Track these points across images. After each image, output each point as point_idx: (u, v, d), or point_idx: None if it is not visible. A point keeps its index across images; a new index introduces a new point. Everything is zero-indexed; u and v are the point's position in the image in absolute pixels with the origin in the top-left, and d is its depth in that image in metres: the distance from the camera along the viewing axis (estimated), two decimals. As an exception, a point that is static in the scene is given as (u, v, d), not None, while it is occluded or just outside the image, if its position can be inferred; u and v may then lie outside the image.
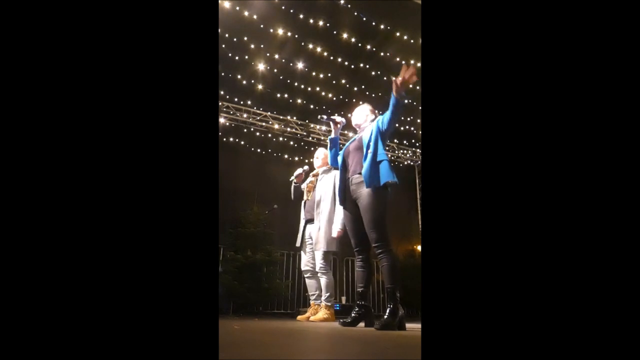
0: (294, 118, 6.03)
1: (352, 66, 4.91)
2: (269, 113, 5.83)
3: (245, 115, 5.71)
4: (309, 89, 5.26)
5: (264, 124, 5.88)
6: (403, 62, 3.79)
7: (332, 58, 4.77)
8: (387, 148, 2.17)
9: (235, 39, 4.38)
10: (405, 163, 7.15)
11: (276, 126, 5.94)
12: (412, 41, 4.56)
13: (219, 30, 4.12)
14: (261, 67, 4.81)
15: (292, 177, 3.23)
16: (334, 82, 5.15)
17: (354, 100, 4.81)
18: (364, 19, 4.27)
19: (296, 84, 5.19)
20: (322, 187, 2.98)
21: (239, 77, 5.01)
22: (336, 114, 2.80)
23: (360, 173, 2.01)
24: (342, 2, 4.05)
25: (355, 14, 4.19)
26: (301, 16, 4.16)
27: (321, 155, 3.13)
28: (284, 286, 4.75)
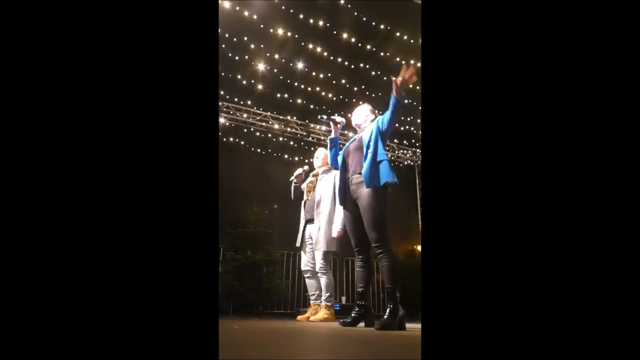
0: (294, 118, 6.03)
1: (352, 66, 4.91)
2: (269, 113, 5.83)
3: (245, 115, 5.71)
4: (309, 89, 5.26)
5: (264, 124, 5.88)
6: (403, 62, 3.79)
7: (332, 58, 4.77)
8: (387, 148, 2.17)
9: (235, 39, 4.37)
10: (405, 163, 7.15)
11: (276, 126, 5.94)
12: (412, 41, 4.56)
13: (219, 30, 4.12)
14: (261, 67, 4.81)
15: (292, 177, 3.23)
16: (334, 82, 5.15)
17: (354, 100, 4.81)
18: (364, 19, 4.26)
19: (296, 84, 5.19)
20: (322, 187, 2.98)
21: (239, 77, 5.01)
22: (336, 114, 2.80)
23: (360, 173, 2.01)
24: (342, 2, 4.05)
25: (355, 14, 4.19)
26: (301, 16, 4.15)
27: (321, 155, 3.13)
28: (284, 286, 4.75)
